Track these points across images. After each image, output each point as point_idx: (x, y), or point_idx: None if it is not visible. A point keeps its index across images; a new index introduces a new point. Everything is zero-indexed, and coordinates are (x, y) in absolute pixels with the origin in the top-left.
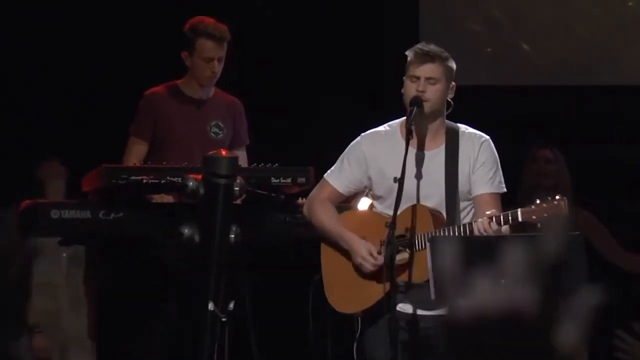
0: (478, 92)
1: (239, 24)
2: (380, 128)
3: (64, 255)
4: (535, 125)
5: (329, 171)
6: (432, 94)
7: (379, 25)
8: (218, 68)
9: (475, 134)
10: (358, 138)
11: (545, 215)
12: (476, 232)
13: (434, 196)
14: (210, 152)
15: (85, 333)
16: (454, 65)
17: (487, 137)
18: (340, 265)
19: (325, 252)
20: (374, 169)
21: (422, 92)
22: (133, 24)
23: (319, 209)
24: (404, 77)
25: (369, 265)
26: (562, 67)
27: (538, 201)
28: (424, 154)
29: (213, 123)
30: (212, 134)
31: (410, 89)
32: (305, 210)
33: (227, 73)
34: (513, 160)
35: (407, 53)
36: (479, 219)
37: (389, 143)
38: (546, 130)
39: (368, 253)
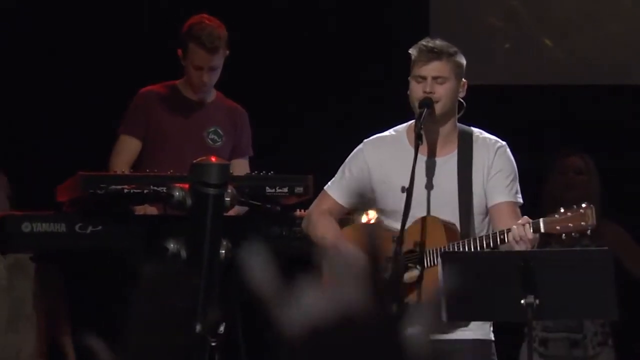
0: (494, 93)
1: (240, 24)
2: (385, 133)
3: (1, 266)
4: (559, 130)
5: (329, 182)
6: (442, 94)
7: (385, 19)
8: (208, 77)
9: (490, 139)
10: (360, 145)
11: (570, 225)
12: (512, 241)
13: (446, 208)
14: (199, 159)
15: (29, 353)
16: (463, 61)
17: (504, 142)
18: None
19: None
20: (378, 178)
21: (430, 93)
22: (117, 20)
23: (319, 223)
24: (409, 78)
25: None
26: (589, 65)
27: (562, 210)
28: (434, 161)
29: (211, 129)
30: (209, 140)
31: (416, 91)
32: (304, 225)
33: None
34: (533, 170)
35: (410, 51)
36: (514, 226)
37: (395, 149)
38: (571, 136)
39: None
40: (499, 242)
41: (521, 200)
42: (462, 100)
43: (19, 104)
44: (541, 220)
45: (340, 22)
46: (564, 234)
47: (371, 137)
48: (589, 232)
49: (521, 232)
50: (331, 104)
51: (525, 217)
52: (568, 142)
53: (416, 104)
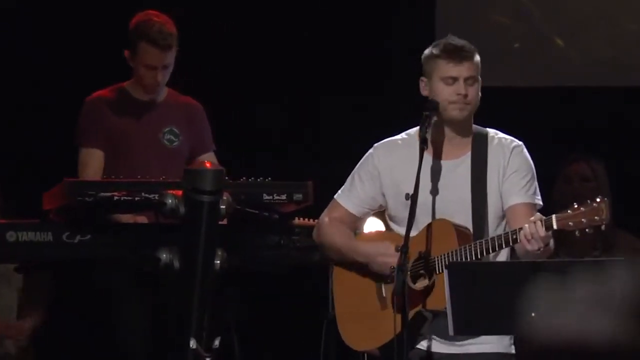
0: (504, 95)
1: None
2: (397, 137)
3: None
4: (573, 133)
5: (339, 191)
6: (474, 96)
7: (388, 16)
8: (162, 76)
9: (506, 139)
10: (371, 149)
11: (584, 220)
12: (524, 239)
13: (458, 214)
14: (193, 165)
15: None
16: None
17: (521, 143)
18: (356, 295)
19: (339, 281)
20: (389, 184)
21: (465, 95)
22: (116, 20)
23: (329, 228)
24: (422, 77)
25: (390, 258)
26: (603, 66)
27: (575, 205)
28: (446, 165)
29: (166, 129)
30: (165, 141)
31: (448, 93)
32: (314, 234)
33: (215, 72)
34: (547, 175)
35: (432, 50)
36: (525, 224)
37: (406, 154)
38: (585, 140)
39: (386, 247)
40: (511, 242)
41: (540, 202)
42: None
43: (18, 105)
44: (553, 216)
45: (342, 22)
46: (577, 230)
47: (382, 141)
48: (603, 227)
49: (532, 230)
50: (332, 107)
51: (538, 214)
52: (580, 147)
53: (447, 106)
